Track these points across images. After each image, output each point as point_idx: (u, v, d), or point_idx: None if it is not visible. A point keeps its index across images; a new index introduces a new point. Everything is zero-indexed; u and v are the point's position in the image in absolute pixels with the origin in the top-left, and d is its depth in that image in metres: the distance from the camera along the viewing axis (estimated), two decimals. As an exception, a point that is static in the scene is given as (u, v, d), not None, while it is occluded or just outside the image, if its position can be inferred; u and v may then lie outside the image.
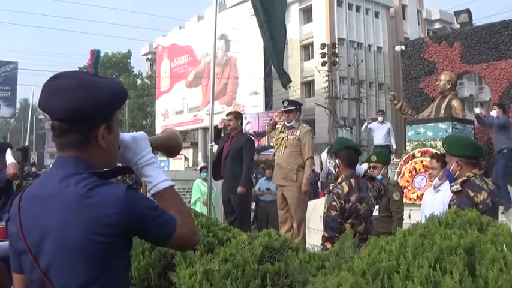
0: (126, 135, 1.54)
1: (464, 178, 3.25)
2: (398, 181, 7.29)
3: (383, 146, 11.05)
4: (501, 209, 6.54)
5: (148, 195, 1.53)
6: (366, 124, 12.16)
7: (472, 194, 3.15)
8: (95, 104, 1.35)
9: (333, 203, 3.65)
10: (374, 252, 1.87)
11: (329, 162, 16.97)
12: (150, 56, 52.21)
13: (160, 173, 1.52)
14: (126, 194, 1.32)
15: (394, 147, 11.73)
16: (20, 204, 1.38)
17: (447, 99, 8.42)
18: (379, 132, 11.49)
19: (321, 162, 18.74)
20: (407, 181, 7.79)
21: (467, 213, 2.05)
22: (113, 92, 1.41)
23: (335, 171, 3.98)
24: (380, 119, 11.76)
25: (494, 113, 7.89)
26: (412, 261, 1.69)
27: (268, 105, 33.35)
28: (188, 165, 33.13)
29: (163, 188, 1.49)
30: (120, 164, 1.54)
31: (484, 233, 1.89)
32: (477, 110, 8.22)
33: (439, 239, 1.78)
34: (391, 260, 1.75)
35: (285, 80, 6.82)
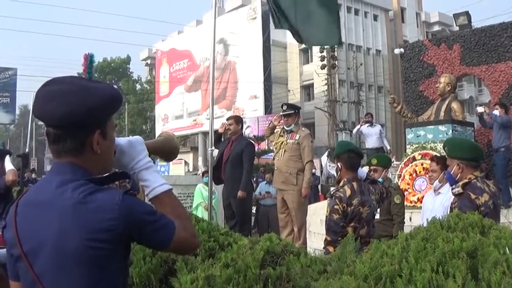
0: (121, 140, 1.52)
1: (466, 180, 3.25)
2: (399, 184, 7.28)
3: (378, 149, 10.80)
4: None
5: (146, 199, 1.51)
6: (358, 127, 11.90)
7: (473, 196, 3.15)
8: (87, 109, 1.33)
9: (335, 206, 3.63)
10: (376, 256, 1.86)
11: (329, 166, 17.01)
12: (149, 61, 52.24)
13: (158, 177, 1.50)
14: (123, 199, 1.31)
15: (389, 147, 11.54)
16: (16, 210, 1.37)
17: (447, 102, 8.43)
18: (372, 136, 11.21)
19: (321, 165, 18.79)
20: (408, 184, 7.79)
21: (469, 216, 2.04)
22: (107, 96, 1.38)
23: (337, 174, 3.97)
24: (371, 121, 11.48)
25: (496, 112, 7.92)
26: (414, 265, 1.68)
27: (267, 109, 33.42)
28: (188, 170, 33.19)
29: (161, 192, 1.47)
30: (116, 170, 1.52)
31: (487, 236, 1.88)
32: (481, 109, 8.23)
33: (441, 242, 1.77)
34: (394, 264, 1.74)
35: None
